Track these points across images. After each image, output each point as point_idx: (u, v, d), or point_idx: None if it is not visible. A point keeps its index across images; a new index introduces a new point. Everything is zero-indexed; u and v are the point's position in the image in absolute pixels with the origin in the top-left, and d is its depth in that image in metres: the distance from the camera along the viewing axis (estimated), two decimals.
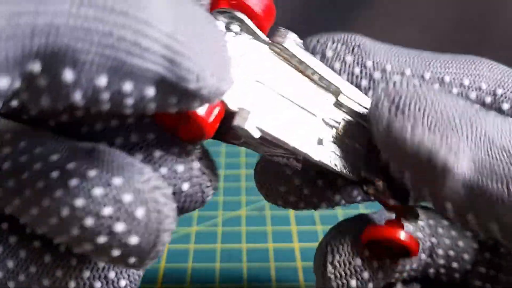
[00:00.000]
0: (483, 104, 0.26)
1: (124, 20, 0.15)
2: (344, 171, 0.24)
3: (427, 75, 0.26)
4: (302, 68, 0.24)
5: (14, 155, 0.20)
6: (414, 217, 0.26)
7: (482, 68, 0.26)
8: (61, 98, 0.15)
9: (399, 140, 0.21)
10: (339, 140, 0.24)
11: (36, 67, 0.15)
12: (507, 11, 0.87)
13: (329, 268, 0.26)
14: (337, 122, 0.24)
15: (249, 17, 0.22)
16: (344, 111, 0.25)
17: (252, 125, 0.21)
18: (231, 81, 0.18)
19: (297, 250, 0.46)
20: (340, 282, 0.26)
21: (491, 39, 0.89)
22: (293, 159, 0.24)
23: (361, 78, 0.26)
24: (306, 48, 0.26)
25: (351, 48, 0.26)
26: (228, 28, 0.22)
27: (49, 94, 0.15)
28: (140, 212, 0.19)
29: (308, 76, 0.24)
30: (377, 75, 0.26)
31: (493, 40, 0.89)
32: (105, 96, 0.16)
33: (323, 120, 0.24)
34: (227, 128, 0.21)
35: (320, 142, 0.24)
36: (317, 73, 0.24)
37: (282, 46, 0.23)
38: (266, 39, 0.23)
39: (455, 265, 0.29)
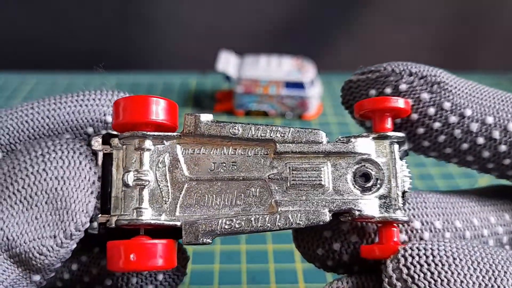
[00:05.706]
0: None
1: None
2: (309, 223, 0.22)
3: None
4: (226, 141, 0.23)
5: None
6: None
7: None
8: None
9: None
10: (293, 192, 0.23)
11: None
12: (505, 7, 0.87)
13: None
14: (283, 172, 0.23)
15: (155, 128, 0.22)
16: (288, 157, 0.23)
17: (202, 237, 0.21)
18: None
19: (296, 251, 0.46)
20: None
21: (489, 35, 0.89)
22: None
23: (434, 120, 0.23)
24: (381, 74, 0.23)
25: (430, 85, 0.23)
26: (140, 148, 0.22)
27: None
28: None
29: (235, 144, 0.23)
30: (453, 119, 0.23)
31: (492, 37, 0.89)
32: None
33: (268, 178, 0.23)
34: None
35: (276, 205, 0.22)
36: (243, 137, 0.23)
37: (194, 133, 0.22)
38: (175, 134, 0.22)
39: None
